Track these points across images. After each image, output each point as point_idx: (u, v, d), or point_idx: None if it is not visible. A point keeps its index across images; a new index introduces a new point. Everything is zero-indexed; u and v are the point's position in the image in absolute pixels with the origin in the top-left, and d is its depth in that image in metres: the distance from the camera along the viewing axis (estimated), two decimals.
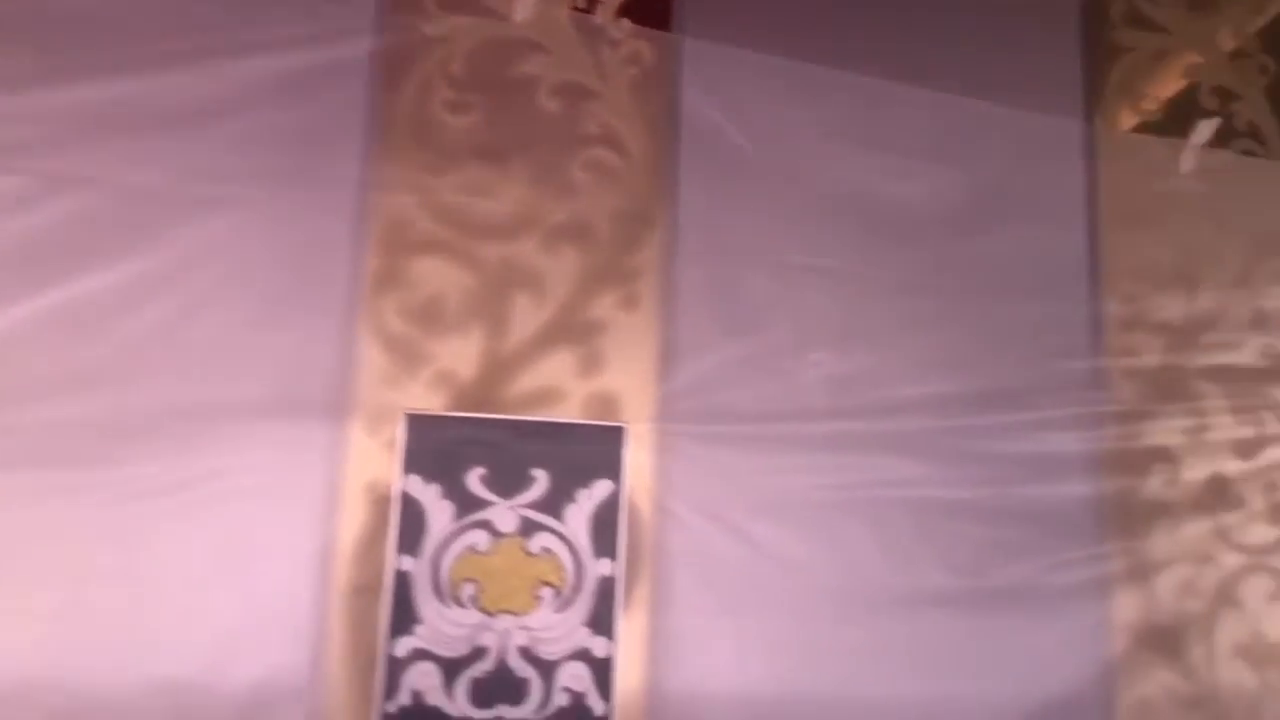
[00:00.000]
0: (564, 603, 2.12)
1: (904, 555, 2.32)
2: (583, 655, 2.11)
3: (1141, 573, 2.48)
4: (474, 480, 2.14)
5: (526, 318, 2.25)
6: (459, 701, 2.05)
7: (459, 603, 2.08)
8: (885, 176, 2.49)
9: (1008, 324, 2.49)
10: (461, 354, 2.20)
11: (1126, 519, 2.49)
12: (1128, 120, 2.72)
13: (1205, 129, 2.71)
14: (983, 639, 2.36)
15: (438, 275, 2.22)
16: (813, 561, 2.26)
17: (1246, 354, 2.65)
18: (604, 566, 2.13)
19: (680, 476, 2.23)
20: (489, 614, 2.09)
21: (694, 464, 2.24)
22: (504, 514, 2.14)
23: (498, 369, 2.22)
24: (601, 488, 2.17)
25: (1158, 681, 2.45)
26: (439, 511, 2.11)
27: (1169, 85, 2.77)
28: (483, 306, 2.23)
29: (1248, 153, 2.74)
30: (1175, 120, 2.74)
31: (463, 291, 2.23)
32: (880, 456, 2.34)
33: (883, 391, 2.38)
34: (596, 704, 2.08)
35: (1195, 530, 2.53)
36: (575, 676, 2.09)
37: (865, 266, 2.43)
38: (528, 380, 2.22)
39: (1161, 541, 2.50)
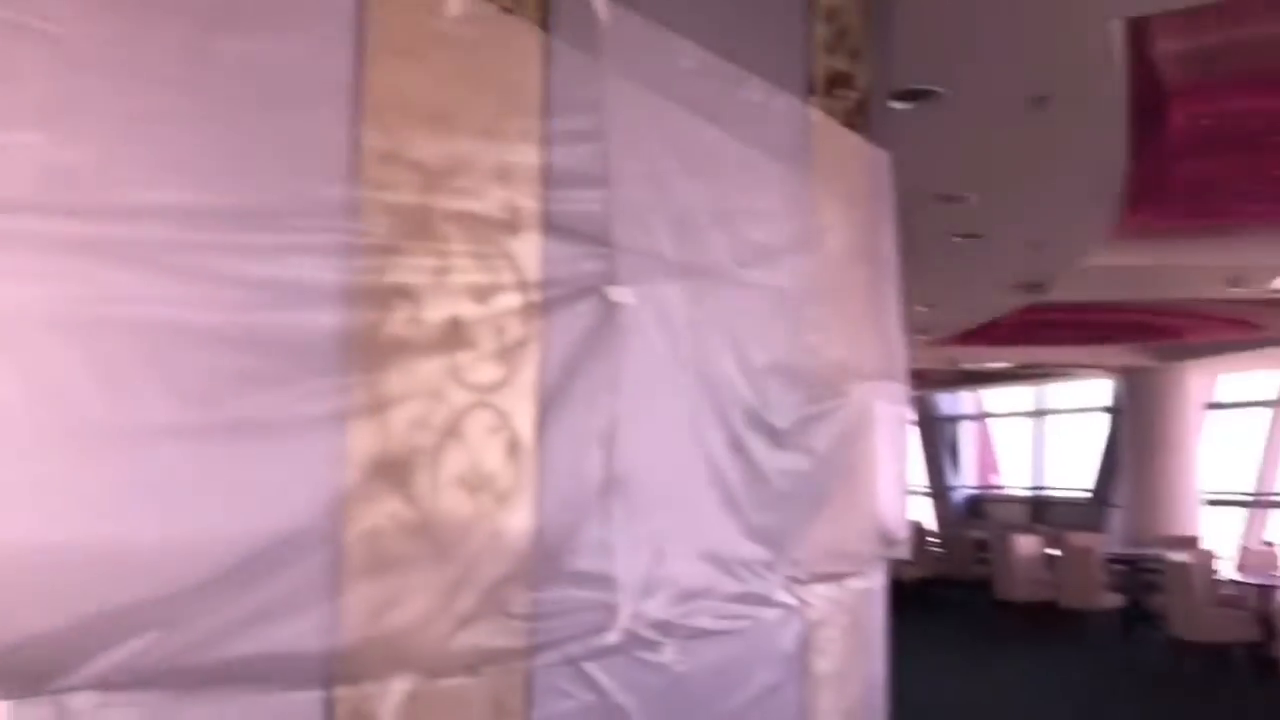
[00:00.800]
0: None
1: (124, 384, 2.03)
2: None
3: (378, 406, 2.51)
4: None
5: None
6: None
7: None
8: None
9: (263, 138, 2.28)
10: None
11: (368, 353, 2.49)
12: None
13: None
14: (215, 473, 2.19)
15: None
16: (4, 390, 1.87)
17: (489, 204, 2.79)
18: None
19: None
20: None
21: None
22: None
23: None
24: None
25: (385, 510, 2.52)
26: None
27: None
28: None
29: (506, 10, 2.86)
30: None
31: None
32: (101, 268, 1.99)
33: (110, 192, 2.02)
34: None
35: (431, 368, 2.63)
36: None
37: (99, 41, 2.02)
38: None
39: (399, 377, 2.56)
